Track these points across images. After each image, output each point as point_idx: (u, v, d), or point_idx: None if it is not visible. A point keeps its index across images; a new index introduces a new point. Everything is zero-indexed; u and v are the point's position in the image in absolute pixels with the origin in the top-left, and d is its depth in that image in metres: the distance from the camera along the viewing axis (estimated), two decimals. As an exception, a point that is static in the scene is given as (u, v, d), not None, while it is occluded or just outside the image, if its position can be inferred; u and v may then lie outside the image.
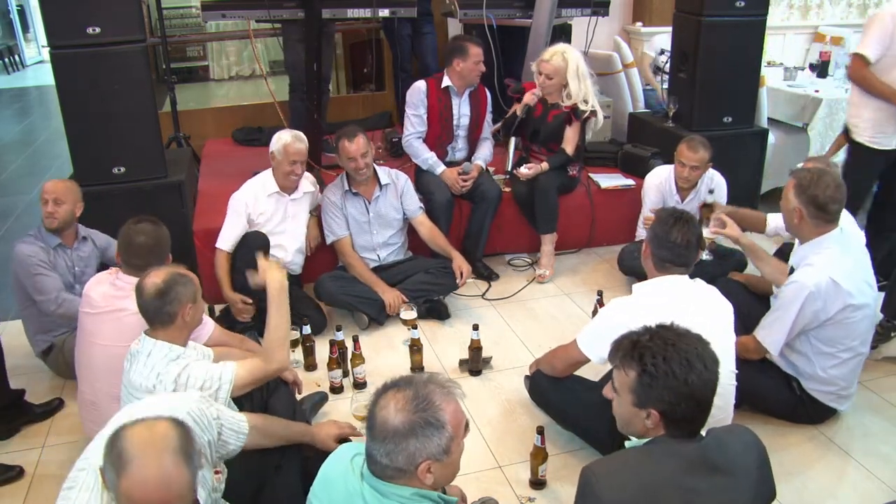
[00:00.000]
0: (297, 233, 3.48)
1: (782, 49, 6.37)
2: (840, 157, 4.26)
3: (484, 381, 3.01)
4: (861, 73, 3.37)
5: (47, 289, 2.81)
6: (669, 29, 4.51)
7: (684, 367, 1.52)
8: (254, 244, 3.24)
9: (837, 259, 2.45)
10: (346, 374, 2.98)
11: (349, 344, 2.98)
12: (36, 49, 13.73)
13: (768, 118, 4.67)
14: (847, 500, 2.35)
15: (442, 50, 4.70)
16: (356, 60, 6.42)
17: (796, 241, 2.67)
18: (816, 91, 4.77)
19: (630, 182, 4.22)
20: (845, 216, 2.74)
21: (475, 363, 3.04)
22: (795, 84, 5.04)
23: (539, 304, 3.66)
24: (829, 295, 2.43)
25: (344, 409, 2.69)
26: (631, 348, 1.59)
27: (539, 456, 2.33)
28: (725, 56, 4.10)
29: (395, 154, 4.53)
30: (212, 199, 3.85)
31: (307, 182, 3.53)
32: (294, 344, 3.07)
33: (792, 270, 2.57)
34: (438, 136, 3.96)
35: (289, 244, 3.43)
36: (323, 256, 3.64)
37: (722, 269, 3.35)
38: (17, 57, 12.86)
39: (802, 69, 5.55)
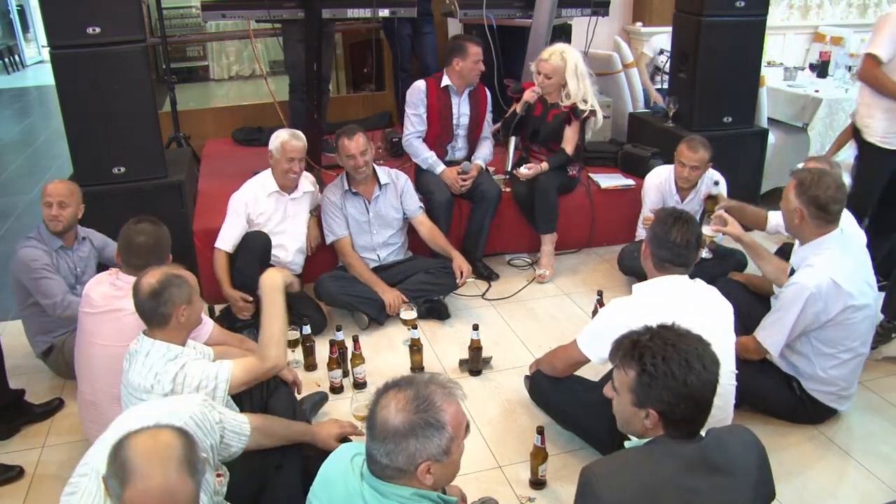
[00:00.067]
0: (298, 232, 3.48)
1: (782, 49, 6.37)
2: (841, 156, 4.27)
3: (484, 381, 3.01)
4: (873, 74, 3.36)
5: (53, 292, 2.81)
6: (669, 29, 4.51)
7: (683, 368, 1.52)
8: (255, 244, 3.25)
9: (838, 260, 2.45)
10: (346, 374, 2.98)
11: (349, 344, 2.98)
12: (36, 49, 13.73)
13: (768, 118, 4.67)
14: (847, 500, 2.35)
15: (442, 50, 4.70)
16: (356, 60, 6.42)
17: (797, 241, 2.67)
18: (816, 91, 4.78)
19: (630, 182, 4.22)
20: (846, 216, 2.74)
21: (475, 363, 3.04)
22: (795, 84, 5.05)
23: (539, 304, 3.66)
24: (830, 296, 2.43)
25: (344, 409, 2.69)
26: (631, 348, 1.59)
27: (539, 456, 2.33)
28: (725, 56, 4.10)
29: (395, 154, 4.54)
30: (212, 199, 3.85)
31: (307, 182, 3.53)
32: (294, 344, 3.07)
33: (792, 271, 2.57)
34: (438, 135, 3.96)
35: (289, 244, 3.43)
36: (323, 256, 3.64)
37: (722, 269, 3.35)
38: (17, 57, 12.85)
39: (802, 69, 5.55)
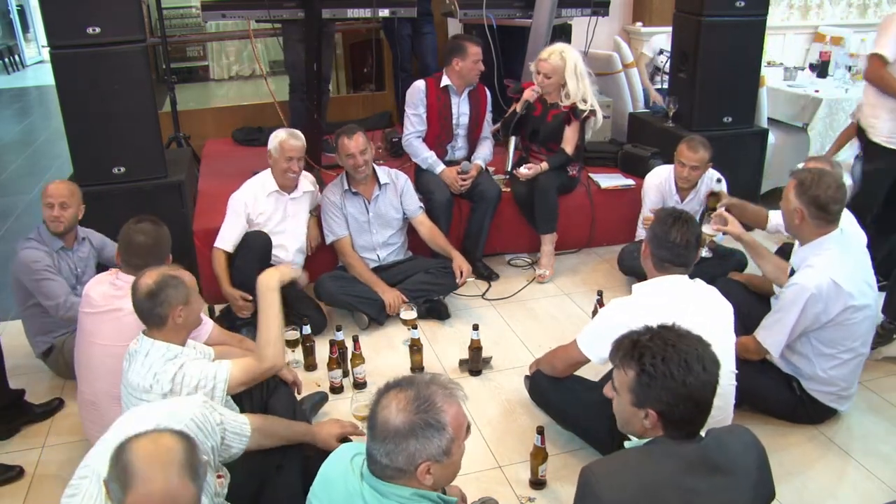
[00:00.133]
0: (298, 232, 3.48)
1: (782, 49, 6.37)
2: (841, 156, 4.26)
3: (484, 381, 3.01)
4: (879, 74, 3.36)
5: (56, 293, 2.81)
6: (669, 29, 4.51)
7: (683, 369, 1.52)
8: (255, 244, 3.26)
9: (838, 260, 2.45)
10: (346, 374, 2.98)
11: (349, 344, 2.98)
12: (36, 49, 13.73)
13: (768, 118, 4.67)
14: (847, 500, 2.35)
15: (442, 50, 4.70)
16: (356, 60, 6.42)
17: (797, 241, 2.67)
18: (816, 91, 4.78)
19: (630, 182, 4.22)
20: (846, 216, 2.74)
21: (475, 363, 3.04)
22: (795, 84, 5.05)
23: (539, 304, 3.66)
24: (830, 296, 2.43)
25: (344, 409, 2.69)
26: (631, 348, 1.59)
27: (539, 456, 2.33)
28: (725, 56, 4.10)
29: (395, 154, 4.54)
30: (212, 199, 3.85)
31: (307, 181, 3.53)
32: (294, 344, 3.07)
33: (792, 272, 2.57)
34: (438, 135, 3.96)
35: (289, 244, 3.43)
36: (323, 256, 3.64)
37: (722, 269, 3.35)
38: (17, 57, 12.85)
39: (802, 69, 5.56)
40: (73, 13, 3.21)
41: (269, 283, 2.22)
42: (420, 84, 3.93)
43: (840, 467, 2.49)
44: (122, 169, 3.47)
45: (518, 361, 3.08)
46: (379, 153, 4.53)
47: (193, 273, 2.27)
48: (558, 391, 2.52)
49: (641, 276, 2.46)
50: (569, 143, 3.89)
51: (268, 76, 4.78)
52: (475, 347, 3.01)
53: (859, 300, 2.47)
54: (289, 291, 3.23)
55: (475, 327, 2.98)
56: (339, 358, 2.92)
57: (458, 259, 3.47)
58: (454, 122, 3.98)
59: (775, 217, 3.10)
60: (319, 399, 2.81)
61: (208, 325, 2.53)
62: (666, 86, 4.83)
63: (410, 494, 1.45)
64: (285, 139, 3.30)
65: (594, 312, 3.16)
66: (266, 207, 3.37)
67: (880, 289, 2.74)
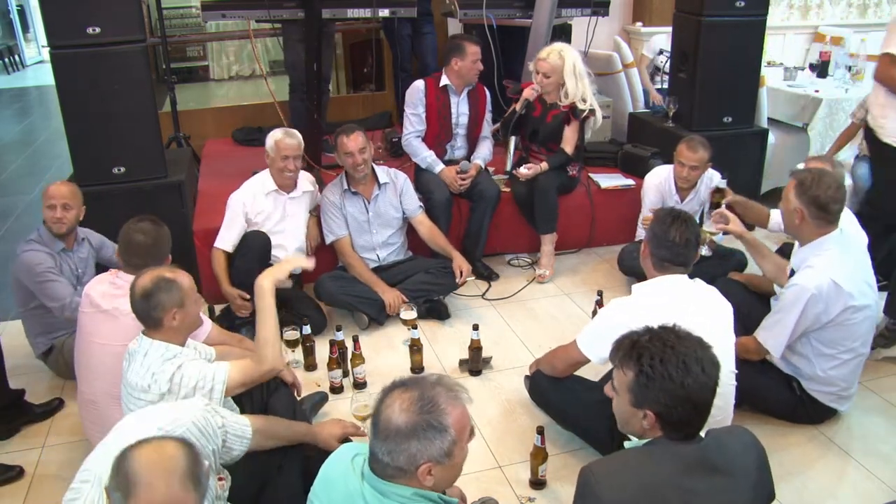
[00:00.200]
0: (297, 232, 3.48)
1: (782, 49, 6.37)
2: (841, 156, 4.27)
3: (484, 381, 3.01)
4: (889, 73, 3.32)
5: (60, 294, 2.81)
6: (669, 29, 4.51)
7: (681, 371, 1.52)
8: (254, 244, 3.26)
9: (838, 260, 2.45)
10: (346, 374, 2.98)
11: (349, 344, 2.98)
12: (36, 49, 13.74)
13: (768, 118, 4.67)
14: (847, 500, 2.35)
15: (442, 50, 4.70)
16: (356, 60, 6.42)
17: (796, 242, 2.66)
18: (816, 91, 4.77)
19: (630, 182, 4.22)
20: (847, 217, 2.74)
21: (475, 363, 3.04)
22: (795, 84, 5.04)
23: (539, 304, 3.66)
24: (831, 297, 2.43)
25: (344, 409, 2.69)
26: (630, 348, 1.59)
27: (539, 456, 2.33)
28: (725, 56, 4.09)
29: (395, 154, 4.53)
30: (212, 199, 3.85)
31: (306, 181, 3.53)
32: (294, 344, 3.07)
33: (792, 272, 2.57)
34: (437, 134, 3.96)
35: (288, 243, 3.43)
36: (323, 256, 3.63)
37: (722, 269, 3.35)
38: (17, 57, 12.86)
39: (802, 69, 5.55)
40: (73, 13, 3.21)
41: (264, 285, 2.20)
42: (419, 84, 3.93)
43: (840, 467, 2.49)
44: (122, 169, 3.47)
45: (518, 361, 3.08)
46: (379, 153, 4.53)
47: (193, 273, 2.27)
48: (558, 391, 2.52)
49: (641, 277, 2.46)
50: (568, 143, 3.89)
51: (268, 76, 4.77)
52: (475, 347, 3.01)
53: (859, 300, 2.47)
54: (289, 291, 3.24)
55: (475, 327, 2.98)
56: (339, 358, 2.92)
57: (457, 259, 3.47)
58: (453, 121, 3.98)
59: (777, 216, 3.10)
60: (319, 399, 2.81)
61: (207, 325, 2.53)
62: (666, 86, 4.83)
63: (411, 494, 1.45)
64: (281, 138, 3.31)
65: (594, 312, 3.16)
66: (265, 207, 3.37)
67: (880, 289, 2.74)
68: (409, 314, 3.17)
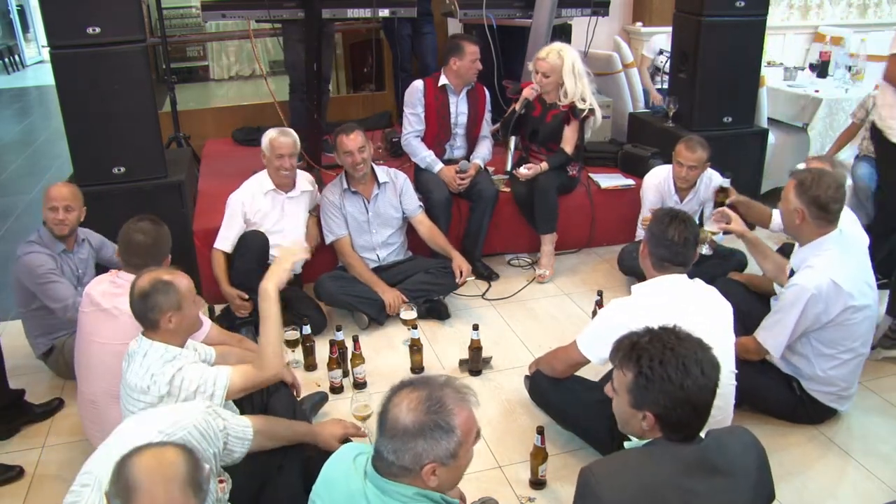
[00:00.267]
0: (296, 231, 3.47)
1: (782, 49, 6.36)
2: (841, 156, 4.26)
3: (484, 381, 3.01)
4: None
5: (63, 295, 2.81)
6: (669, 29, 4.51)
7: (680, 372, 1.52)
8: (253, 244, 3.26)
9: (838, 261, 2.45)
10: (346, 374, 2.98)
11: (349, 344, 2.98)
12: (36, 49, 13.74)
13: (768, 118, 4.67)
14: (847, 500, 2.35)
15: (442, 50, 4.70)
16: (356, 60, 6.42)
17: (797, 242, 2.66)
18: (816, 91, 4.77)
19: (630, 182, 4.22)
20: (848, 217, 2.74)
21: (475, 363, 3.04)
22: (795, 84, 5.04)
23: (539, 304, 3.66)
24: (831, 297, 2.43)
25: (344, 409, 2.69)
26: (630, 349, 1.59)
27: (539, 456, 2.33)
28: (725, 56, 4.10)
29: (395, 154, 4.53)
30: (212, 199, 3.85)
31: (305, 181, 3.53)
32: (294, 344, 3.07)
33: (792, 272, 2.57)
34: (436, 134, 3.97)
35: (287, 243, 3.43)
36: (323, 256, 3.64)
37: (722, 269, 3.35)
38: (17, 57, 12.86)
39: (802, 69, 5.55)
40: (73, 13, 3.20)
41: (269, 289, 2.18)
42: (418, 84, 3.93)
43: (840, 467, 2.49)
44: (122, 169, 3.47)
45: (518, 361, 3.08)
46: (379, 153, 4.53)
47: (193, 273, 2.26)
48: (558, 391, 2.52)
49: (641, 277, 2.46)
50: (568, 142, 3.89)
51: (268, 76, 4.77)
52: (475, 347, 3.01)
53: (859, 300, 2.47)
54: (289, 291, 3.24)
55: (475, 327, 2.98)
56: (339, 358, 2.92)
57: (457, 259, 3.47)
58: (452, 121, 3.98)
59: (778, 216, 3.10)
60: (319, 399, 2.81)
61: (206, 325, 2.53)
62: (666, 86, 4.83)
63: (413, 494, 1.45)
64: (275, 137, 3.32)
65: (594, 313, 3.16)
66: (263, 206, 3.37)
67: (880, 287, 2.74)
68: (409, 314, 3.17)
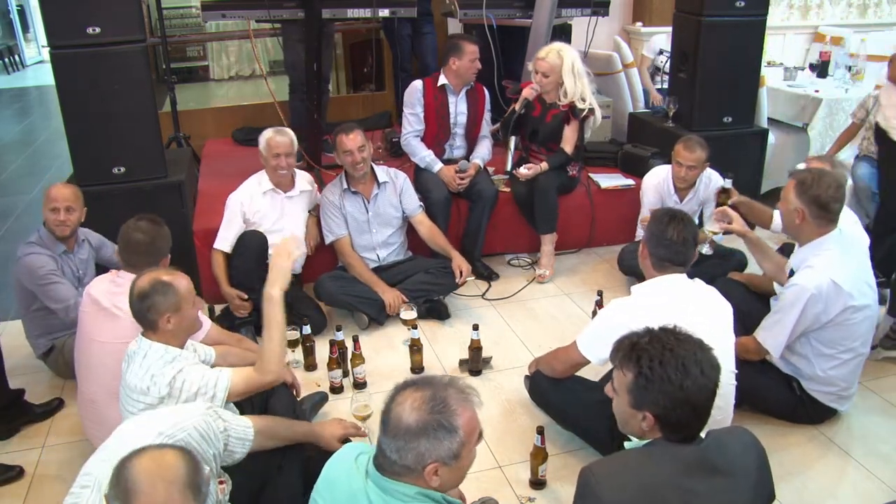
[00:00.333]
0: (295, 231, 3.46)
1: (782, 49, 6.37)
2: (841, 156, 4.26)
3: (484, 381, 3.01)
4: None
5: (64, 296, 2.81)
6: (669, 29, 4.51)
7: (680, 373, 1.52)
8: (251, 243, 3.26)
9: (838, 261, 2.45)
10: (346, 374, 2.98)
11: (349, 344, 2.98)
12: (36, 49, 13.74)
13: (768, 118, 4.67)
14: (847, 500, 2.35)
15: (442, 50, 4.71)
16: (356, 60, 6.42)
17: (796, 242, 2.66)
18: (816, 91, 4.77)
19: (630, 182, 4.22)
20: (849, 217, 2.74)
21: (475, 363, 3.04)
22: (795, 84, 5.04)
23: (539, 304, 3.66)
24: (830, 297, 2.43)
25: (344, 409, 2.69)
26: (630, 349, 1.59)
27: (539, 456, 2.33)
28: (725, 56, 4.10)
29: (395, 154, 4.53)
30: (212, 199, 3.85)
31: (303, 181, 3.54)
32: (294, 344, 3.07)
33: (792, 273, 2.57)
34: (436, 134, 3.97)
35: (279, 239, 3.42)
36: (323, 256, 3.64)
37: (722, 269, 3.35)
38: (17, 57, 12.86)
39: (802, 69, 5.55)
40: (73, 13, 3.20)
41: (274, 294, 2.17)
42: (417, 84, 3.93)
43: (840, 467, 2.49)
44: (122, 169, 3.47)
45: (518, 361, 3.08)
46: (379, 153, 4.53)
47: (193, 273, 2.26)
48: (558, 391, 2.52)
49: (641, 276, 2.46)
50: (568, 142, 3.89)
51: (268, 76, 4.77)
52: (475, 347, 3.01)
53: (859, 300, 2.47)
54: (289, 291, 3.23)
55: (475, 327, 2.98)
56: (339, 358, 2.92)
57: (457, 259, 3.47)
58: (451, 121, 3.98)
59: (779, 217, 3.10)
60: (319, 399, 2.81)
61: (206, 325, 2.53)
62: (666, 86, 4.83)
63: (415, 493, 1.45)
64: (271, 136, 3.33)
65: (594, 313, 3.16)
66: (262, 206, 3.37)
67: (879, 285, 2.74)
68: (409, 314, 3.17)
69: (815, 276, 2.42)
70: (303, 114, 4.22)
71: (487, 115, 4.10)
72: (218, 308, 3.44)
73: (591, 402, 2.34)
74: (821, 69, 5.36)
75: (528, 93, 3.86)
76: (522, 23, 4.54)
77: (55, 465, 2.57)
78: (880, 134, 3.51)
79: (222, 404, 2.02)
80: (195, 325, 2.13)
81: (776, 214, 3.13)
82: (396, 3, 3.99)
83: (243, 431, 1.89)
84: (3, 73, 12.18)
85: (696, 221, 3.60)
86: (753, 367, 2.55)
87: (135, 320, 2.03)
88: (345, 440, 2.16)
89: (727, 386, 2.22)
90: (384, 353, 3.21)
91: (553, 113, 3.89)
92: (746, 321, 2.58)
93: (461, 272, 3.43)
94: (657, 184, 3.70)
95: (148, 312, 1.97)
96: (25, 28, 13.77)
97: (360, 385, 2.94)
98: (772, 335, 2.52)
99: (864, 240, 2.78)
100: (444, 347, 3.25)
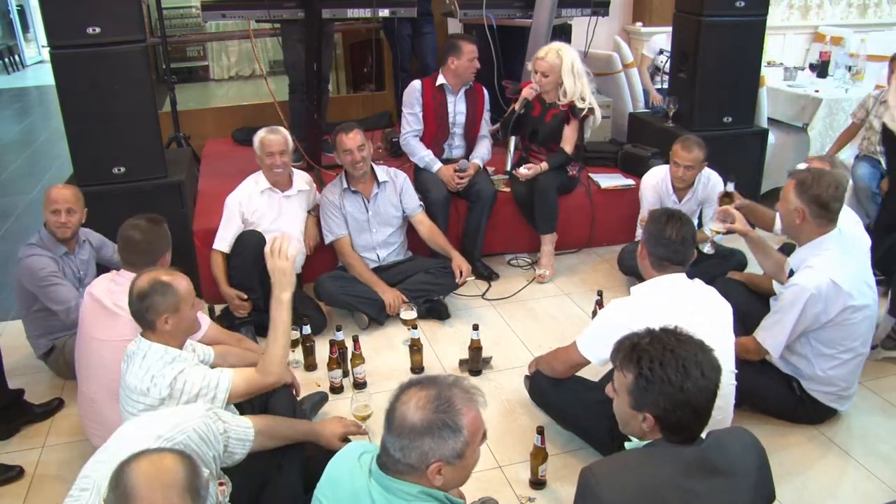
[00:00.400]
0: (294, 231, 3.47)
1: (782, 49, 6.37)
2: (841, 156, 4.26)
3: (484, 381, 3.01)
4: None
5: (65, 297, 2.81)
6: (669, 29, 4.51)
7: (680, 374, 1.51)
8: (249, 243, 3.26)
9: (837, 260, 2.45)
10: (346, 374, 2.98)
11: (349, 344, 2.98)
12: (36, 49, 13.74)
13: (768, 118, 4.67)
14: (847, 500, 2.35)
15: (442, 50, 4.71)
16: (356, 60, 6.42)
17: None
18: (816, 91, 4.77)
19: (630, 182, 4.22)
20: (850, 217, 2.74)
21: (475, 363, 3.04)
22: (795, 84, 5.05)
23: (539, 304, 3.66)
24: (830, 297, 2.43)
25: (344, 409, 2.69)
26: (630, 350, 1.59)
27: (539, 456, 2.33)
28: (725, 56, 4.10)
29: (395, 154, 4.53)
30: (212, 199, 3.85)
31: (301, 181, 3.54)
32: (294, 344, 3.07)
33: (791, 273, 2.57)
34: (434, 133, 3.97)
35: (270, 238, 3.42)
36: (323, 256, 3.64)
37: (722, 269, 3.35)
38: (17, 57, 12.87)
39: (802, 69, 5.55)
40: (73, 13, 3.20)
41: (283, 298, 2.17)
42: (416, 84, 3.94)
43: (840, 467, 2.49)
44: (122, 169, 3.47)
45: (518, 361, 3.08)
46: (379, 153, 4.53)
47: (193, 273, 2.26)
48: (558, 391, 2.52)
49: (641, 277, 2.46)
50: (568, 142, 3.89)
51: (268, 76, 4.77)
52: (475, 347, 3.01)
53: (859, 300, 2.47)
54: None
55: (475, 327, 2.98)
56: (339, 358, 2.92)
57: (457, 259, 3.47)
58: (450, 120, 3.98)
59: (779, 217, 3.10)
60: (319, 399, 2.81)
61: (205, 325, 2.53)
62: (666, 86, 4.83)
63: (418, 492, 1.45)
64: (265, 136, 3.34)
65: (594, 313, 3.16)
66: (260, 206, 3.37)
67: (878, 283, 2.74)
68: (409, 314, 3.17)
69: (815, 276, 2.42)
70: (303, 114, 4.22)
71: (487, 115, 4.10)
72: (218, 308, 3.44)
73: (591, 402, 2.34)
74: (821, 69, 5.37)
75: (527, 93, 3.86)
76: (522, 23, 4.54)
77: (55, 465, 2.57)
78: (888, 135, 3.50)
79: (223, 405, 2.02)
80: (193, 326, 2.13)
81: (778, 217, 3.13)
82: (396, 3, 3.99)
83: (243, 432, 1.89)
84: (3, 73, 12.18)
85: (696, 221, 3.60)
86: (753, 367, 2.55)
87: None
88: (345, 438, 2.17)
89: (727, 386, 2.22)
90: (384, 353, 3.21)
91: (553, 113, 3.89)
92: (746, 321, 2.58)
93: (461, 272, 3.43)
94: (655, 184, 3.70)
95: (146, 312, 1.97)
96: (25, 28, 13.78)
97: (360, 385, 2.94)
98: (771, 335, 2.52)
99: (865, 240, 2.78)
100: (444, 347, 3.25)
